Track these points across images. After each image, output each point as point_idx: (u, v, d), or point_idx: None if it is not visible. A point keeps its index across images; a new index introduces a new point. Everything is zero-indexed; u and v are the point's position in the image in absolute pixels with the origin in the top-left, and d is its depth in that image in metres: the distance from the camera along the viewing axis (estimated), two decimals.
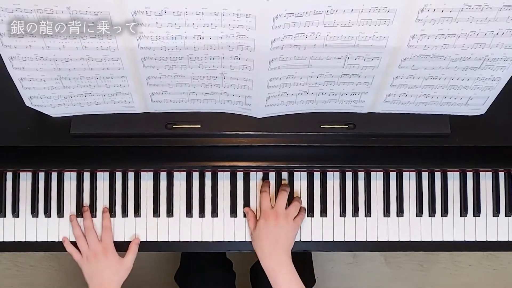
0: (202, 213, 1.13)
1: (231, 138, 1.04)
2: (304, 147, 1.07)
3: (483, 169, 1.13)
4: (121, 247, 1.11)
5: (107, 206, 1.13)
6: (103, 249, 1.08)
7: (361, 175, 1.13)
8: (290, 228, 1.07)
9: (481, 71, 0.90)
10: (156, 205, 1.13)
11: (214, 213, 1.13)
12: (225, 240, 1.12)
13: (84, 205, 1.12)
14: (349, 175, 1.13)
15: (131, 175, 1.13)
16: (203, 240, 1.12)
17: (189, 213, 1.13)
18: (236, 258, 1.54)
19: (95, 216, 1.12)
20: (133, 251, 1.10)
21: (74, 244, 1.11)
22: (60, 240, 1.12)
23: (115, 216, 1.12)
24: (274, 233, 1.05)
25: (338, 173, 1.13)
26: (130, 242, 1.11)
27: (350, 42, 0.83)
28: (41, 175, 1.12)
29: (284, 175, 1.13)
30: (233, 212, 1.13)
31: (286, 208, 1.09)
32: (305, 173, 1.13)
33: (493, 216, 1.13)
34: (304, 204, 1.13)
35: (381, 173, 1.13)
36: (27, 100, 0.96)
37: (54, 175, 1.13)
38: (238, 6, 0.75)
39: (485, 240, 1.13)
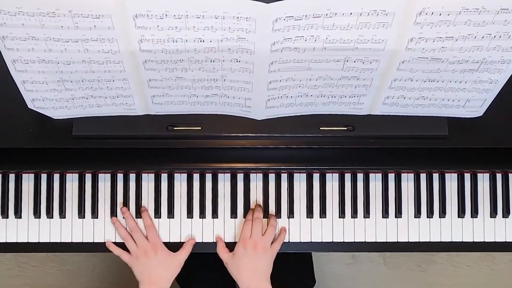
0: (202, 214, 1.13)
1: (231, 140, 1.05)
2: (304, 149, 1.07)
3: (480, 171, 1.13)
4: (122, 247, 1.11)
5: (109, 207, 1.13)
6: (152, 247, 1.09)
7: (360, 176, 1.14)
8: (268, 256, 1.08)
9: (478, 74, 0.91)
10: (157, 206, 1.13)
11: (215, 214, 1.13)
12: (225, 241, 1.13)
13: (123, 206, 1.13)
14: (348, 176, 1.14)
15: (132, 177, 1.14)
16: (204, 241, 1.13)
17: (189, 214, 1.13)
18: None
19: (97, 218, 1.13)
20: (186, 249, 1.11)
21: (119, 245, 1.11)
22: (62, 241, 1.12)
23: (116, 216, 1.13)
24: (253, 263, 1.07)
25: (337, 174, 1.14)
26: None
27: (349, 45, 0.83)
28: (44, 177, 1.13)
29: (284, 176, 1.14)
30: (234, 213, 1.13)
31: (263, 234, 1.09)
32: (305, 174, 1.14)
33: (491, 217, 1.14)
34: (304, 205, 1.14)
35: (380, 174, 1.14)
36: (29, 103, 0.96)
37: (56, 177, 1.13)
38: (238, 10, 0.76)
39: (482, 240, 1.13)
